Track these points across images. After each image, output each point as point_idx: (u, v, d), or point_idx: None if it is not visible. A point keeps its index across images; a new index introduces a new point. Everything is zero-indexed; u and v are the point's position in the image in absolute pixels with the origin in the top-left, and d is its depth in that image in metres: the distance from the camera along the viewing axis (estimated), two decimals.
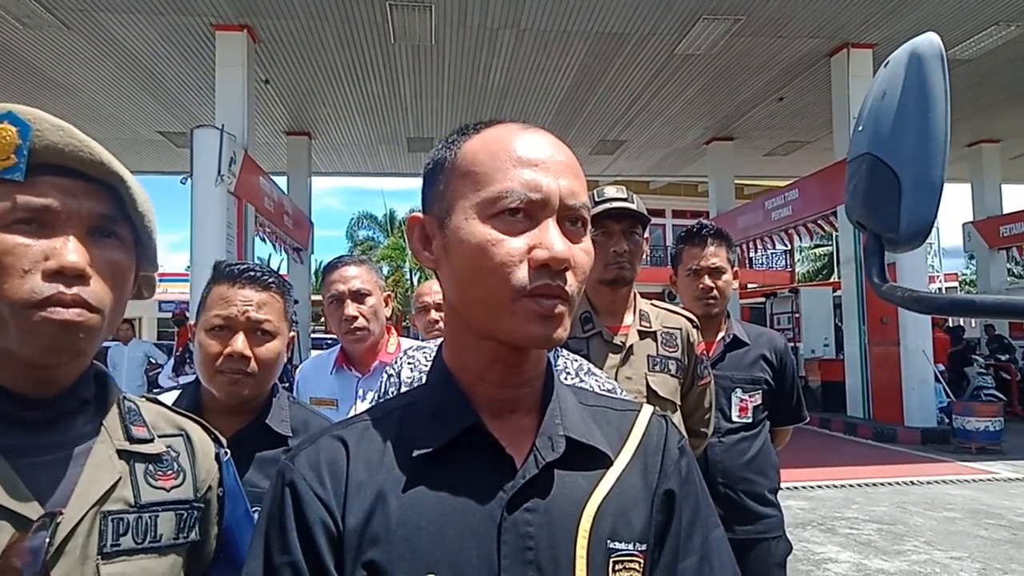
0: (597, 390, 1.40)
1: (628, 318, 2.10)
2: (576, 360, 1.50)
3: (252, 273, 1.55)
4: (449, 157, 0.80)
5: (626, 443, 0.83)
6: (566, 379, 1.41)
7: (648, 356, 2.06)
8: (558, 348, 1.45)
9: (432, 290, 2.84)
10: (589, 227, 0.80)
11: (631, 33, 10.35)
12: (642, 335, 2.08)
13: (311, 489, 0.74)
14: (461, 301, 0.79)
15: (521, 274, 0.72)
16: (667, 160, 17.51)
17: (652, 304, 2.19)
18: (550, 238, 0.73)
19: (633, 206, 2.06)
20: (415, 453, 0.75)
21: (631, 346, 2.04)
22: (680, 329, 2.14)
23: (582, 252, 0.77)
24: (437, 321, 2.78)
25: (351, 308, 2.26)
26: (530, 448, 0.77)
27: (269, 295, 1.56)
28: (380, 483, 0.74)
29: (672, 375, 2.07)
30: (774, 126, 14.73)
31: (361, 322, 2.26)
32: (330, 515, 0.73)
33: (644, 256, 2.13)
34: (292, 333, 1.65)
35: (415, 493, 0.73)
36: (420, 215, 0.83)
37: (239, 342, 1.50)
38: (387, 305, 2.37)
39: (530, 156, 0.76)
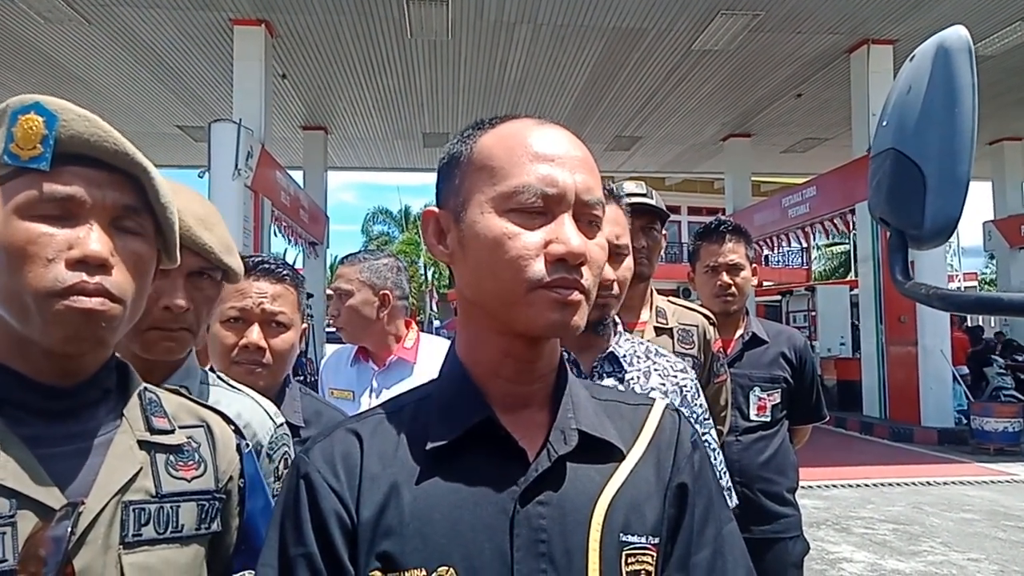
0: (670, 369, 1.47)
1: (644, 314, 2.08)
2: (642, 343, 1.53)
3: (266, 266, 1.58)
4: (465, 151, 0.80)
5: (639, 437, 0.83)
6: (636, 363, 1.45)
7: None
8: (622, 332, 1.49)
9: None
10: (603, 222, 0.80)
11: (648, 28, 10.29)
12: (659, 331, 2.07)
13: (325, 481, 0.74)
14: (477, 294, 0.79)
15: (538, 267, 0.73)
16: (683, 156, 17.40)
17: (668, 301, 2.17)
18: (566, 233, 0.74)
19: (652, 202, 2.04)
20: (428, 446, 0.76)
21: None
22: (696, 326, 2.12)
23: (597, 247, 0.77)
24: None
25: (332, 307, 2.35)
26: (543, 442, 0.78)
27: (283, 287, 1.59)
28: (394, 476, 0.75)
29: None
30: (792, 123, 14.59)
31: (338, 320, 2.34)
32: (344, 507, 0.73)
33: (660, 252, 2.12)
34: (304, 325, 1.67)
35: (429, 486, 0.74)
36: (435, 209, 0.84)
37: (254, 333, 1.53)
38: (385, 303, 2.30)
39: (546, 151, 0.76)
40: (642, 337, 2.04)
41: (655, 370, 1.47)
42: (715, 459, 1.52)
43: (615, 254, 1.42)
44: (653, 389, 1.43)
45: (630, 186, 2.08)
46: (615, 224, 1.43)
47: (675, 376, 1.48)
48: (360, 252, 2.45)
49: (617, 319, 1.55)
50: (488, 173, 0.76)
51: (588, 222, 0.77)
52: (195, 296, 1.13)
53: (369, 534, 0.72)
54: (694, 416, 1.46)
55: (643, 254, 2.02)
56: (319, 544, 0.72)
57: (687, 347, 2.09)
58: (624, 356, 1.46)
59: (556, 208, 0.75)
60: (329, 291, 2.43)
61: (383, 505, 0.73)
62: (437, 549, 0.71)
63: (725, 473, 1.58)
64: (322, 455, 0.77)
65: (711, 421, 1.55)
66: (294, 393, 1.68)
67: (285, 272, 1.61)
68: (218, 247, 1.14)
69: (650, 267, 2.06)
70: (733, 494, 1.58)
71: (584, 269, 0.74)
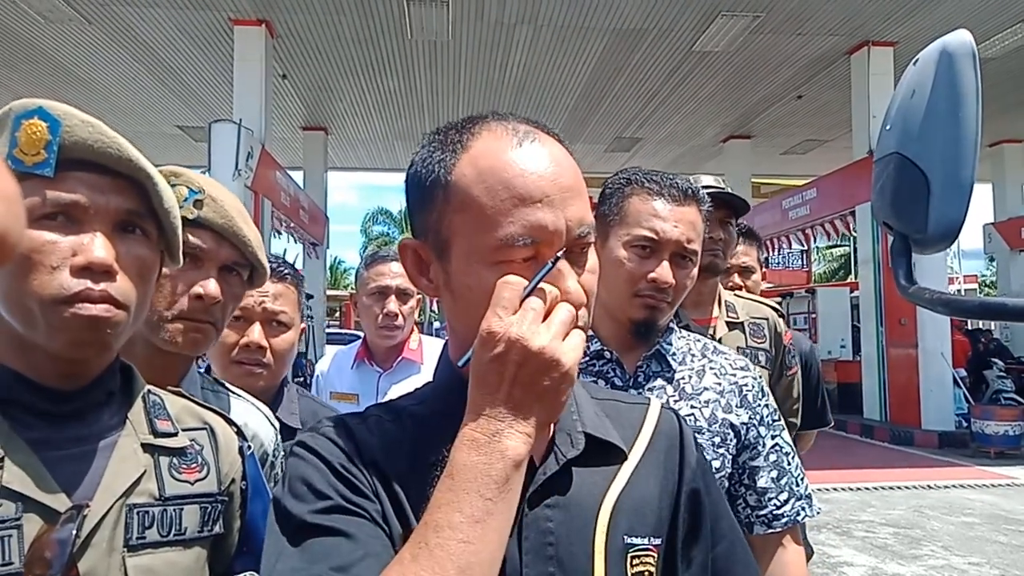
0: (728, 367, 1.38)
1: (715, 310, 2.06)
2: (699, 340, 1.44)
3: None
4: (440, 180, 0.74)
5: (638, 437, 0.84)
6: (690, 361, 1.37)
7: (738, 348, 2.01)
8: (675, 329, 1.41)
9: None
10: (594, 241, 0.77)
11: (649, 29, 10.29)
12: (731, 326, 2.04)
13: (335, 444, 0.73)
14: (469, 332, 0.74)
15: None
16: (683, 158, 17.40)
17: (736, 295, 2.16)
18: (566, 285, 0.70)
19: (733, 194, 2.03)
20: (431, 459, 0.73)
21: (720, 338, 2.00)
22: (767, 319, 2.10)
23: (589, 275, 0.75)
24: None
25: (393, 304, 2.25)
26: (548, 445, 0.77)
27: (284, 286, 1.58)
28: (394, 479, 0.73)
29: (762, 366, 2.03)
30: (792, 124, 14.60)
31: (400, 320, 2.26)
32: (354, 465, 0.72)
33: None
34: (303, 325, 1.66)
35: (431, 492, 0.71)
36: (412, 241, 0.79)
37: (255, 332, 1.52)
38: (418, 306, 2.37)
39: (531, 191, 0.70)
40: (713, 332, 2.00)
41: (710, 368, 1.36)
42: (789, 463, 1.35)
43: (682, 257, 1.29)
44: (707, 389, 1.33)
45: (707, 179, 2.05)
46: (691, 228, 1.30)
47: (733, 375, 1.36)
48: (390, 250, 2.44)
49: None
50: (470, 216, 0.71)
51: (580, 250, 0.74)
52: (224, 291, 1.10)
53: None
54: (758, 418, 1.34)
55: (719, 247, 1.98)
56: (343, 486, 0.69)
57: (759, 341, 2.05)
58: (673, 354, 1.35)
59: (546, 251, 0.71)
60: (381, 285, 2.27)
61: (389, 504, 0.71)
62: None
63: (805, 478, 1.39)
64: (324, 434, 0.75)
65: (781, 423, 1.41)
66: (291, 394, 1.68)
67: (286, 271, 1.60)
68: (254, 242, 1.13)
69: (724, 261, 2.01)
70: (814, 501, 1.39)
71: (582, 312, 0.71)
